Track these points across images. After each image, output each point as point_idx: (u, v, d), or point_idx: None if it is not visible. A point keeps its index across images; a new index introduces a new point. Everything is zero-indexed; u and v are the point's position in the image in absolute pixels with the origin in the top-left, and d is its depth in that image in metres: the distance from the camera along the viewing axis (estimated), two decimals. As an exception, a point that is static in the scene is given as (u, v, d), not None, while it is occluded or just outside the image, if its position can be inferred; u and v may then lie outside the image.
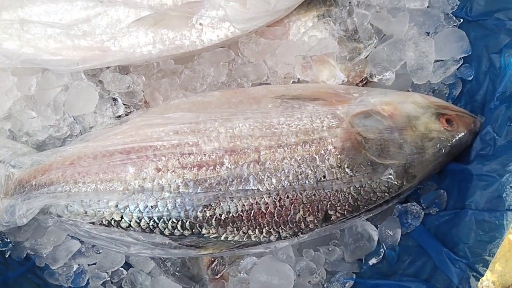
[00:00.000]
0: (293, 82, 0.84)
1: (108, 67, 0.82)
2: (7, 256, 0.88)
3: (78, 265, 0.87)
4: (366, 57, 0.83)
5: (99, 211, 0.70)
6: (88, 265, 0.87)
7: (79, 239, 0.86)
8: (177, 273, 0.79)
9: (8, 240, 0.87)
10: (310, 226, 0.71)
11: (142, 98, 0.84)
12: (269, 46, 0.83)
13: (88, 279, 0.86)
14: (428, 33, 0.85)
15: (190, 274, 0.79)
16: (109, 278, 0.86)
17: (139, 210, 0.70)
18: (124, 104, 0.83)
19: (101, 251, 0.85)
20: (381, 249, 0.79)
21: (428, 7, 0.85)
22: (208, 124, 0.73)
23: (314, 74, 0.83)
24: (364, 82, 0.84)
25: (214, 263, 0.79)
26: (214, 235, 0.71)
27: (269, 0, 0.77)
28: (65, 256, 0.85)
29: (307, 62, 0.81)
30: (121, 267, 0.86)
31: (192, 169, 0.70)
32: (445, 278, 0.69)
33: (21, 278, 0.87)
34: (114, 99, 0.83)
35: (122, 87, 0.81)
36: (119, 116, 0.83)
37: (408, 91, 0.85)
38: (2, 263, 0.87)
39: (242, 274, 0.78)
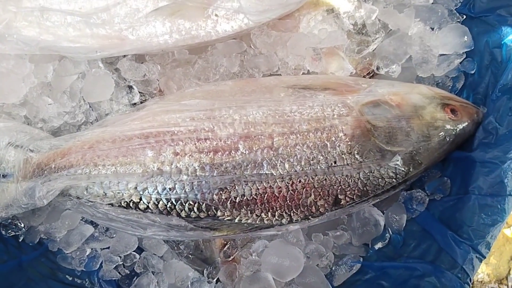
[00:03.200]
0: (303, 73, 0.87)
1: (125, 56, 0.84)
2: (20, 240, 0.89)
3: (91, 249, 0.89)
4: (373, 51, 0.87)
5: (119, 192, 0.72)
6: (101, 249, 0.89)
7: (93, 224, 0.88)
8: (190, 256, 0.81)
9: (22, 225, 0.89)
10: (320, 210, 0.74)
11: (157, 87, 0.87)
12: (280, 38, 0.86)
13: (101, 263, 0.88)
14: (432, 28, 0.88)
15: (203, 257, 0.81)
16: (121, 262, 0.88)
17: (158, 192, 0.72)
18: (139, 92, 0.86)
19: (114, 235, 0.88)
20: (387, 234, 0.82)
21: (432, 3, 0.89)
22: (223, 111, 0.76)
23: (323, 66, 0.86)
24: (371, 74, 0.88)
25: (227, 246, 0.82)
26: (229, 218, 0.74)
27: (282, -7, 0.81)
28: (78, 240, 0.87)
29: (317, 54, 0.84)
30: (134, 251, 0.88)
31: (208, 153, 0.73)
32: (449, 259, 0.72)
33: (35, 261, 0.89)
34: (130, 87, 0.85)
35: (138, 75, 0.84)
36: (135, 104, 0.85)
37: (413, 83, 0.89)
38: (16, 247, 0.89)
39: (253, 257, 0.81)
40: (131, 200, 0.72)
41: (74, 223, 0.87)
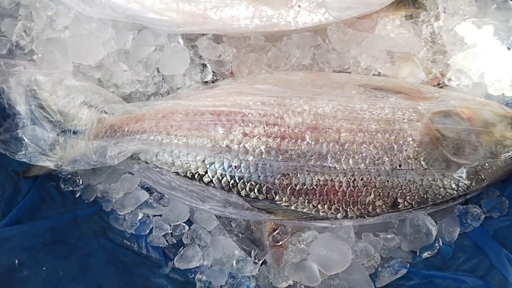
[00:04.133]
0: (373, 74, 0.88)
1: (204, 34, 0.87)
2: (77, 196, 0.93)
3: (144, 214, 0.92)
4: (447, 62, 0.87)
5: (187, 163, 0.75)
6: (153, 216, 0.92)
7: (149, 190, 0.91)
8: (240, 235, 0.83)
9: (81, 182, 0.93)
10: (377, 210, 0.75)
11: (229, 69, 0.89)
12: (356, 37, 0.87)
13: (151, 229, 0.92)
14: (509, 48, 0.88)
15: (253, 238, 0.83)
16: (171, 231, 0.91)
17: (223, 168, 0.74)
18: (212, 72, 0.88)
19: (167, 204, 0.91)
20: (436, 244, 0.83)
21: (513, 23, 0.88)
22: (294, 100, 0.78)
23: (395, 70, 0.86)
24: (441, 86, 0.88)
25: (277, 231, 0.83)
26: (286, 204, 0.75)
27: (366, -7, 0.82)
28: (133, 204, 0.90)
29: (392, 57, 0.85)
30: (184, 222, 0.91)
31: (276, 139, 0.75)
32: (501, 277, 0.72)
33: (88, 218, 0.93)
34: (204, 65, 0.87)
35: (214, 55, 0.86)
36: (206, 82, 0.88)
37: (481, 100, 0.88)
38: (72, 201, 0.93)
39: (302, 245, 0.83)
40: (197, 172, 0.75)
41: (132, 187, 0.90)
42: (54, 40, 0.88)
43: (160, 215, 0.91)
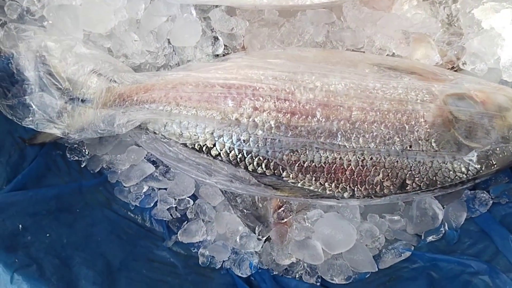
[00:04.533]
0: (387, 55, 0.86)
1: (217, 6, 0.85)
2: (82, 166, 0.93)
3: (149, 187, 0.92)
4: (463, 45, 0.85)
5: (195, 135, 0.74)
6: (158, 189, 0.92)
7: (155, 164, 0.91)
8: (245, 210, 0.83)
9: (87, 152, 0.93)
10: (385, 191, 0.75)
11: (241, 43, 0.87)
12: (371, 16, 0.86)
13: (155, 202, 0.91)
14: (527, 34, 0.86)
15: (257, 214, 0.83)
16: (175, 205, 0.91)
17: (232, 141, 0.74)
18: (223, 45, 0.87)
19: (173, 178, 0.90)
20: (442, 229, 0.82)
21: (533, 9, 0.86)
22: (306, 76, 0.76)
23: (409, 51, 0.85)
24: (455, 69, 0.86)
25: (282, 208, 0.83)
26: (293, 180, 0.75)
27: (384, -29, 0.80)
28: (139, 176, 0.90)
29: (407, 37, 0.84)
30: (189, 197, 0.90)
31: (286, 114, 0.74)
32: (506, 262, 0.72)
33: (93, 189, 0.92)
34: (216, 38, 0.86)
35: (227, 28, 0.85)
36: (217, 55, 0.87)
37: (495, 86, 0.87)
38: (78, 171, 0.93)
39: (306, 224, 0.82)
40: (205, 144, 0.74)
41: (138, 159, 0.90)
42: (65, 6, 0.86)
43: (165, 189, 0.91)
